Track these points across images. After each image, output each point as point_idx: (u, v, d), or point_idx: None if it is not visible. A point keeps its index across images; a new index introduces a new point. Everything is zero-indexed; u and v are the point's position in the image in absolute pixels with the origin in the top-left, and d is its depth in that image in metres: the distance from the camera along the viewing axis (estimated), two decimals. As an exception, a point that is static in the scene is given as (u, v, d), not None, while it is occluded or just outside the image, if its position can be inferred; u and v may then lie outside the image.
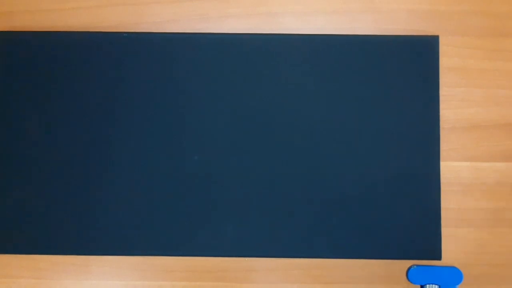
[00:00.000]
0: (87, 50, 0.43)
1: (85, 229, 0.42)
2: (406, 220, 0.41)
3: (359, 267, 0.43)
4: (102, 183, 0.42)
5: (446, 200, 0.43)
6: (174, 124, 0.43)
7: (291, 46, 0.43)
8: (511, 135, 0.44)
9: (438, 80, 0.43)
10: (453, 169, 0.44)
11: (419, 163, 0.42)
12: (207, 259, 0.43)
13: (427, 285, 0.42)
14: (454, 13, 0.45)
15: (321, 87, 0.43)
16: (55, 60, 0.43)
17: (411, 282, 0.42)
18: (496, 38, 0.44)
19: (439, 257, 0.41)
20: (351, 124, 0.42)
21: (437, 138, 0.42)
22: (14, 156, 0.42)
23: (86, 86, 0.43)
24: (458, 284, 0.42)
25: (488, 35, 0.44)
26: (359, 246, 0.41)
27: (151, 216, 0.42)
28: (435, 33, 0.44)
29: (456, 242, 0.43)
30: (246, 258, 0.43)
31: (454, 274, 0.42)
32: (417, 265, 0.42)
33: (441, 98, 0.43)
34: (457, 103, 0.44)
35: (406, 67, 0.43)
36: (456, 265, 0.43)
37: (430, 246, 0.41)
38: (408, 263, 0.43)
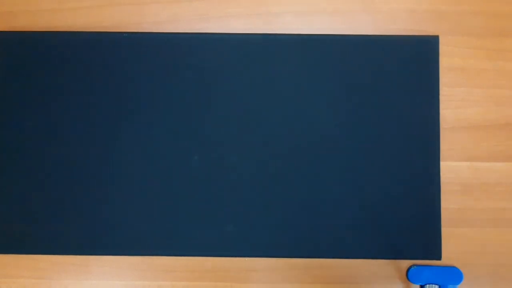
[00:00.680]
0: (87, 50, 0.43)
1: (85, 229, 0.42)
2: (406, 220, 0.42)
3: (359, 267, 0.43)
4: (102, 183, 0.42)
5: (446, 200, 0.43)
6: (174, 124, 0.43)
7: (291, 46, 0.43)
8: (511, 135, 0.44)
9: (438, 80, 0.43)
10: (453, 169, 0.44)
11: (419, 163, 0.42)
12: (207, 259, 0.43)
13: (427, 285, 0.42)
14: (454, 13, 0.45)
15: (321, 87, 0.43)
16: (55, 60, 0.43)
17: (411, 282, 0.42)
18: (496, 38, 0.44)
19: (439, 257, 0.41)
20: (351, 124, 0.42)
21: (437, 138, 0.42)
22: (14, 156, 0.42)
23: (86, 86, 0.43)
24: (458, 284, 0.42)
25: (488, 35, 0.44)
26: (359, 246, 0.41)
27: (151, 216, 0.42)
28: (435, 33, 0.44)
29: (456, 242, 0.43)
30: (246, 258, 0.43)
31: (454, 274, 0.42)
32: (417, 265, 0.42)
33: (441, 98, 0.43)
34: (457, 103, 0.44)
35: (406, 67, 0.43)
36: (456, 265, 0.43)
37: (430, 246, 0.41)
38: (408, 263, 0.43)
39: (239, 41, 0.43)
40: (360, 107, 0.42)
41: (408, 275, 0.42)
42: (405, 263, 0.43)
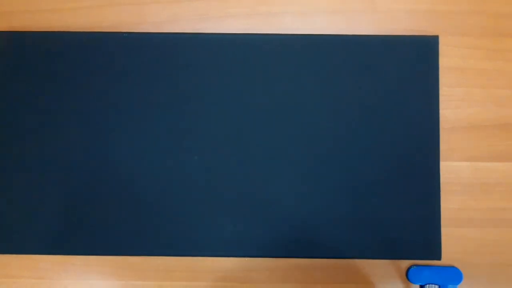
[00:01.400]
0: (87, 50, 0.43)
1: (86, 229, 0.42)
2: (406, 220, 0.41)
3: (359, 267, 0.43)
4: (102, 183, 0.42)
5: (446, 200, 0.43)
6: (174, 124, 0.43)
7: (291, 46, 0.43)
8: (511, 135, 0.44)
9: (438, 80, 0.43)
10: (453, 169, 0.44)
11: (419, 163, 0.42)
12: (207, 259, 0.43)
13: (427, 285, 0.42)
14: (454, 13, 0.45)
15: (321, 87, 0.43)
16: (55, 60, 0.43)
17: (411, 282, 0.42)
18: (496, 38, 0.44)
19: (439, 257, 0.41)
20: (351, 124, 0.42)
21: (437, 138, 0.42)
22: (14, 156, 0.42)
23: (86, 86, 0.43)
24: (458, 284, 0.42)
25: (488, 35, 0.44)
26: (359, 246, 0.41)
27: (151, 216, 0.42)
28: (435, 33, 0.44)
29: (456, 242, 0.43)
30: (246, 258, 0.43)
31: (454, 274, 0.42)
32: (417, 265, 0.42)
33: (441, 98, 0.43)
34: (457, 103, 0.44)
35: (406, 67, 0.43)
36: (456, 265, 0.43)
37: (430, 246, 0.41)
38: (408, 263, 0.43)
39: (239, 41, 0.43)
40: (360, 107, 0.42)
41: (408, 275, 0.42)
42: (405, 263, 0.43)
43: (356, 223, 0.42)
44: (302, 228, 0.42)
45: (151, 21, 0.45)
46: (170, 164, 0.42)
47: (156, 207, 0.42)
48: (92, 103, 0.43)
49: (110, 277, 0.43)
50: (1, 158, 0.43)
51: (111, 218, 0.42)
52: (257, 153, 0.42)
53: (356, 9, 0.45)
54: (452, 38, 0.44)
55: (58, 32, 0.44)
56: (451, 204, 0.43)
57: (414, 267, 0.42)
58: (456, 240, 0.43)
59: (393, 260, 0.43)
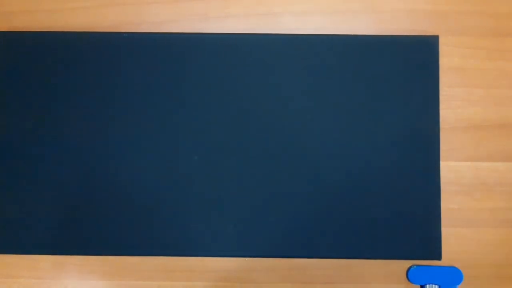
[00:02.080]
0: (87, 50, 0.43)
1: (85, 229, 0.42)
2: (406, 220, 0.41)
3: (359, 267, 0.43)
4: (102, 183, 0.42)
5: (446, 200, 0.43)
6: (174, 124, 0.43)
7: (291, 46, 0.43)
8: (511, 135, 0.44)
9: (438, 80, 0.43)
10: (453, 169, 0.44)
11: (419, 163, 0.42)
12: (207, 259, 0.43)
13: (427, 285, 0.42)
14: (454, 13, 0.45)
15: (320, 87, 0.43)
16: (55, 60, 0.43)
17: (411, 282, 0.42)
18: (496, 38, 0.44)
19: (439, 257, 0.41)
20: (351, 124, 0.42)
21: (437, 138, 0.42)
22: (14, 156, 0.42)
23: (86, 86, 0.43)
24: (458, 284, 0.42)
25: (488, 35, 0.44)
26: (359, 246, 0.41)
27: (151, 216, 0.42)
28: (435, 33, 0.44)
29: (456, 242, 0.43)
30: (246, 258, 0.43)
31: (454, 274, 0.42)
32: (417, 265, 0.42)
33: (441, 98, 0.43)
34: (457, 103, 0.44)
35: (406, 67, 0.43)
36: (456, 265, 0.43)
37: (430, 246, 0.41)
38: (408, 263, 0.43)
39: (239, 41, 0.43)
40: (360, 107, 0.42)
41: (408, 275, 0.42)
42: (405, 263, 0.43)
43: (356, 223, 0.42)
44: (302, 228, 0.42)
45: (151, 21, 0.45)
46: (170, 164, 0.42)
47: (156, 207, 0.42)
48: (91, 103, 0.43)
49: (110, 277, 0.43)
50: (0, 158, 0.43)
51: (110, 218, 0.42)
52: (257, 153, 0.42)
53: (356, 9, 0.45)
54: (452, 38, 0.44)
55: (58, 32, 0.44)
56: (451, 204, 0.43)
57: (414, 267, 0.42)
58: (456, 240, 0.43)
59: (393, 260, 0.43)
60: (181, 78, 0.43)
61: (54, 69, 0.43)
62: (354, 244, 0.41)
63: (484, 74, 0.44)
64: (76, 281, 0.43)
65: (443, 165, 0.43)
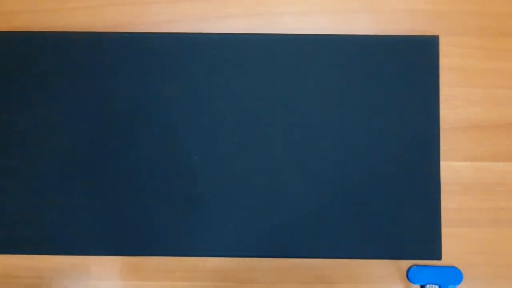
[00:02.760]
0: (87, 50, 0.43)
1: (85, 229, 0.42)
2: (406, 220, 0.41)
3: (359, 267, 0.43)
4: (102, 183, 0.42)
5: (446, 200, 0.43)
6: (174, 124, 0.43)
7: (291, 46, 0.43)
8: (511, 135, 0.44)
9: (438, 80, 0.43)
10: (453, 169, 0.44)
11: (419, 163, 0.42)
12: (207, 259, 0.43)
13: (427, 285, 0.42)
14: (454, 13, 0.45)
15: (320, 87, 0.43)
16: (55, 60, 0.43)
17: (411, 282, 0.42)
18: (496, 38, 0.44)
19: (439, 257, 0.41)
20: (351, 124, 0.42)
21: (437, 138, 0.42)
22: (14, 156, 0.42)
23: (86, 86, 0.43)
24: (458, 284, 0.42)
25: (488, 35, 0.44)
26: (359, 246, 0.41)
27: (151, 216, 0.42)
28: (435, 33, 0.44)
29: (456, 242, 0.43)
30: (246, 258, 0.43)
31: (454, 274, 0.42)
32: (417, 265, 0.42)
33: (441, 98, 0.43)
34: (457, 103, 0.44)
35: (406, 67, 0.43)
36: (456, 265, 0.43)
37: (430, 246, 0.41)
38: (408, 263, 0.43)
39: (239, 41, 0.43)
40: (360, 107, 0.42)
41: (408, 275, 0.42)
42: (405, 263, 0.43)
43: (356, 223, 0.42)
44: (302, 228, 0.42)
45: (151, 21, 0.45)
46: (170, 164, 0.42)
47: (156, 207, 0.42)
48: (91, 103, 0.43)
49: (110, 277, 0.43)
50: (0, 158, 0.43)
51: (110, 218, 0.42)
52: (257, 153, 0.42)
53: (356, 9, 0.45)
54: (452, 38, 0.44)
55: (58, 32, 0.44)
56: (451, 204, 0.43)
57: (414, 267, 0.42)
58: (456, 240, 0.43)
59: (393, 260, 0.43)
60: (181, 78, 0.43)
61: (54, 69, 0.43)
62: (354, 244, 0.41)
63: (484, 74, 0.44)
64: (76, 281, 0.43)
65: (443, 165, 0.43)
